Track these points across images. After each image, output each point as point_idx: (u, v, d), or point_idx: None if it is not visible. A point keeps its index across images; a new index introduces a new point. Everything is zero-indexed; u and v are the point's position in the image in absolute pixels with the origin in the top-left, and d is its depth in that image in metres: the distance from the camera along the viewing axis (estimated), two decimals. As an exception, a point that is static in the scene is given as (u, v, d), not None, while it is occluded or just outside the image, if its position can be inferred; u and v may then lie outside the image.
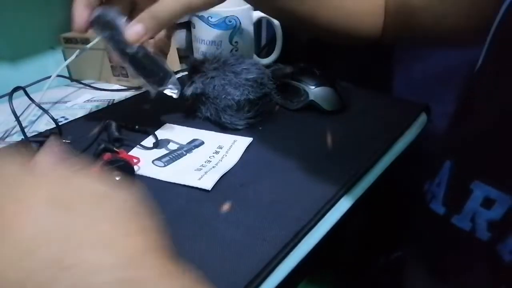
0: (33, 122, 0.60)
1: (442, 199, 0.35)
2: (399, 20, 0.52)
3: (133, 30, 0.38)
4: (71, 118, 0.60)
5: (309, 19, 0.50)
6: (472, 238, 0.31)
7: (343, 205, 0.38)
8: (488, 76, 0.35)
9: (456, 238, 0.33)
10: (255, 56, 0.71)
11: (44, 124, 0.58)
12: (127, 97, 0.67)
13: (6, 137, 0.56)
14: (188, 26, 0.73)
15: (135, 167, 0.43)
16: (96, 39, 0.67)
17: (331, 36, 0.53)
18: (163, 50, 0.47)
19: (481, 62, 0.35)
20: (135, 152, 0.47)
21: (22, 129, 0.50)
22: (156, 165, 0.44)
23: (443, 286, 0.35)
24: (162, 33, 0.45)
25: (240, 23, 0.65)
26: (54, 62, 0.80)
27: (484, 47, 0.35)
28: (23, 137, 0.49)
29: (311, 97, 0.53)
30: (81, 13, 0.38)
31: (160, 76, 0.43)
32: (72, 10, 0.37)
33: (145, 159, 0.44)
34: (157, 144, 0.48)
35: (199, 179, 0.41)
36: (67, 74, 0.80)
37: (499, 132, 0.31)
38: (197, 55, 0.69)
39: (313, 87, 0.53)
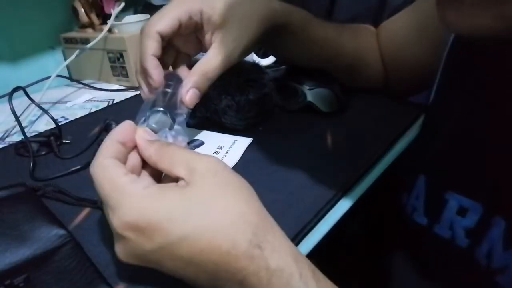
0: (33, 122, 0.60)
1: (423, 211, 0.37)
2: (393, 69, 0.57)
3: (191, 95, 0.41)
4: (71, 118, 0.60)
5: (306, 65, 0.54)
6: (453, 245, 0.33)
7: (343, 205, 0.38)
8: (440, 106, 0.38)
9: (439, 246, 0.35)
10: (255, 56, 0.71)
11: (44, 124, 0.59)
12: (127, 97, 0.67)
13: (6, 137, 0.56)
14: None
15: (135, 167, 0.43)
16: (96, 39, 0.67)
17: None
18: None
19: (434, 94, 0.40)
20: (135, 152, 0.47)
21: (22, 129, 0.50)
22: (156, 165, 0.44)
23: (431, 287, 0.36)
24: None
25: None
26: (54, 62, 0.80)
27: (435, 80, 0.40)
28: (23, 137, 0.49)
29: (309, 99, 0.53)
30: (158, 71, 0.41)
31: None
32: (147, 68, 0.40)
33: (145, 159, 0.44)
34: (157, 144, 0.47)
35: (199, 179, 0.41)
36: (67, 74, 0.80)
37: (461, 149, 0.33)
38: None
39: (310, 89, 0.53)
